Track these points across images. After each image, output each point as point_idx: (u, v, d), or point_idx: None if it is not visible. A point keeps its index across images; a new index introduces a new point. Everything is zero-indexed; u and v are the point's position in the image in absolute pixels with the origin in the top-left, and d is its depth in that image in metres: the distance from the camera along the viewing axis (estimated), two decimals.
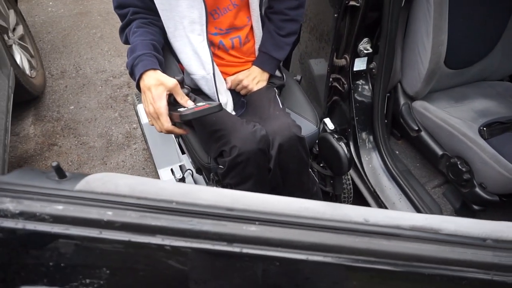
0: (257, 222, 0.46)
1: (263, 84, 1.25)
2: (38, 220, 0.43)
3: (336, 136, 1.26)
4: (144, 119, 1.63)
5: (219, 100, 1.16)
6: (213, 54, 1.18)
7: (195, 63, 1.12)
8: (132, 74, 1.01)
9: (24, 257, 0.46)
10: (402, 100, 1.54)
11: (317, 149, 1.39)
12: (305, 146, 1.11)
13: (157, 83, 0.95)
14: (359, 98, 1.52)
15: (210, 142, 1.10)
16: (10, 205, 0.43)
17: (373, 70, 1.46)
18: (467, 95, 1.51)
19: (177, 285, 0.49)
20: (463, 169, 1.31)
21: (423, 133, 1.49)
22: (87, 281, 0.46)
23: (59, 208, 0.44)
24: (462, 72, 1.50)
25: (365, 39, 1.38)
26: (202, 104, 0.96)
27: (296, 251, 0.46)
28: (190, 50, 1.11)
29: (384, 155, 1.50)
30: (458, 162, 1.32)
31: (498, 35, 1.46)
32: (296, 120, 1.16)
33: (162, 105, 0.93)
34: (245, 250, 0.45)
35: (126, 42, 1.10)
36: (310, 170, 1.24)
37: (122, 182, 0.48)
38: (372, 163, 1.52)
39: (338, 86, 1.55)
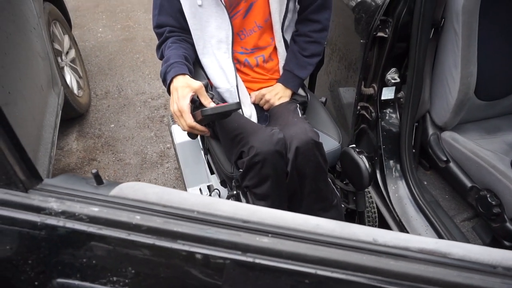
0: (270, 235, 0.50)
1: (285, 99, 1.32)
2: (76, 219, 0.49)
3: (357, 150, 1.27)
4: (178, 139, 1.71)
5: (243, 113, 1.25)
6: (239, 71, 1.29)
7: (220, 77, 1.25)
8: (164, 80, 1.12)
9: (62, 253, 0.51)
10: (430, 130, 1.53)
11: (340, 166, 1.40)
12: (322, 151, 1.14)
13: (184, 85, 1.04)
14: (386, 127, 1.53)
15: (232, 147, 1.17)
16: (55, 204, 0.49)
17: (401, 100, 1.47)
18: (500, 127, 1.48)
19: None
20: (493, 202, 1.27)
21: (451, 164, 1.46)
22: (114, 278, 0.51)
23: (95, 210, 0.49)
24: (494, 103, 1.47)
25: (393, 69, 1.41)
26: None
27: (305, 265, 0.48)
28: (216, 65, 1.24)
29: (411, 184, 1.48)
30: (488, 195, 1.29)
31: None
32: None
33: (185, 103, 1.01)
34: (257, 260, 0.49)
35: (162, 57, 1.21)
36: (329, 180, 1.25)
37: (151, 191, 0.53)
38: (399, 192, 1.50)
39: (366, 115, 1.57)
